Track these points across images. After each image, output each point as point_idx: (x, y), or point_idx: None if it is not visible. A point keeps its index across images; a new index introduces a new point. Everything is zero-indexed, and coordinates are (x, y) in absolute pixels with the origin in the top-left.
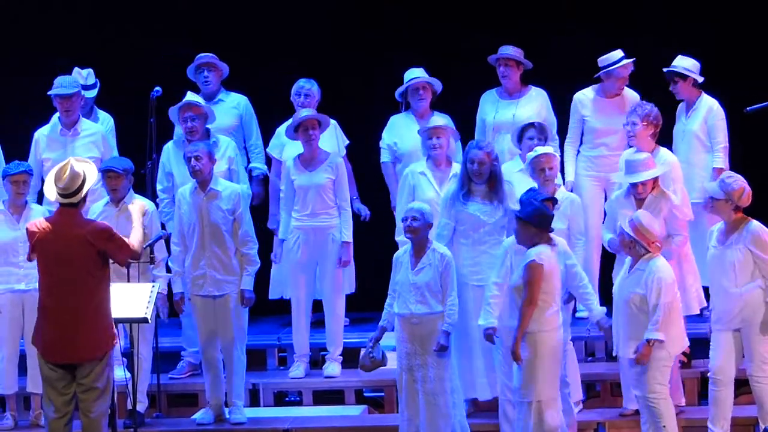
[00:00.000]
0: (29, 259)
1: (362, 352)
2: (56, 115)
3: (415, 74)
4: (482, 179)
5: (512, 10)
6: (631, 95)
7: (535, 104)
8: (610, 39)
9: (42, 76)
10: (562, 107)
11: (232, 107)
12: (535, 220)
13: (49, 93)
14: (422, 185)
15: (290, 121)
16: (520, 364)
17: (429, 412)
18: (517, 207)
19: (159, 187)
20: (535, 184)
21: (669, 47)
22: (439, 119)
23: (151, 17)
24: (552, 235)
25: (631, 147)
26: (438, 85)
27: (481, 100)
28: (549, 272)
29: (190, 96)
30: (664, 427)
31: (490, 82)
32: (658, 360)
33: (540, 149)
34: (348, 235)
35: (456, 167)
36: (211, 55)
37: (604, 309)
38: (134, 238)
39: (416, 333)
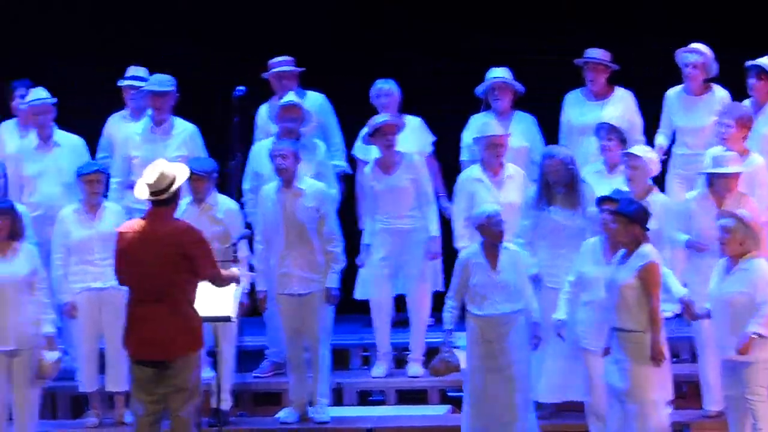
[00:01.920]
0: (116, 271)
1: (436, 356)
2: (148, 112)
3: (495, 74)
4: (560, 185)
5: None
6: (720, 93)
7: (621, 106)
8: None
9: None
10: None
11: (309, 107)
12: (640, 218)
13: (142, 89)
14: (480, 192)
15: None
16: (659, 365)
17: (521, 409)
18: (593, 209)
19: (246, 186)
20: (613, 185)
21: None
22: (496, 126)
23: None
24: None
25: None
26: (518, 86)
27: (564, 100)
28: None
29: (290, 96)
30: (760, 429)
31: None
32: (762, 362)
33: (637, 149)
34: (435, 229)
35: (510, 168)
36: (287, 58)
37: (686, 290)
38: (228, 271)
39: (501, 332)
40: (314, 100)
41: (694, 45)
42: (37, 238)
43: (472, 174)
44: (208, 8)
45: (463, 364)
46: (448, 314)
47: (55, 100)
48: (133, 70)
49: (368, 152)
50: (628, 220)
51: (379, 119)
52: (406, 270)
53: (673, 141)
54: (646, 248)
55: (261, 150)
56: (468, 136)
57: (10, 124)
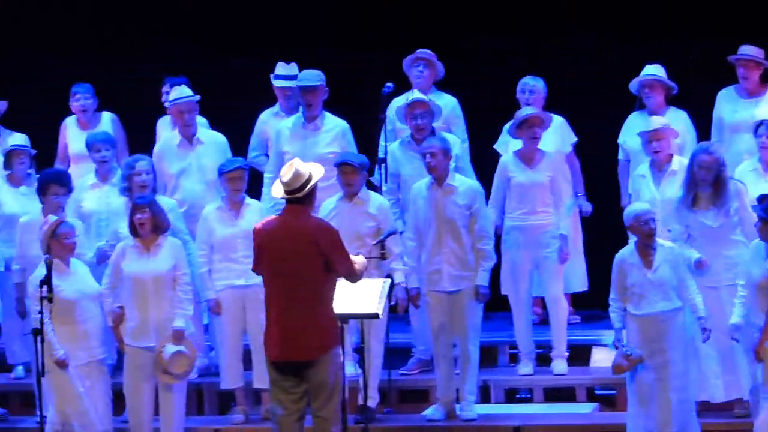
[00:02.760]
0: (254, 269)
1: (616, 355)
2: (301, 108)
3: (648, 71)
4: (707, 184)
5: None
6: None
7: None
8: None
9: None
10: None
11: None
12: None
13: (293, 85)
14: (642, 188)
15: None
16: (762, 363)
17: (681, 409)
18: (749, 208)
19: (384, 188)
20: None
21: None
22: (659, 119)
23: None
24: None
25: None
26: (671, 83)
27: (717, 97)
28: None
29: (418, 93)
30: None
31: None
32: None
33: None
34: (565, 228)
35: (676, 161)
36: (430, 52)
37: None
38: (360, 263)
39: (660, 331)
40: (444, 102)
41: None
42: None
43: (639, 171)
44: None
45: (606, 362)
46: (614, 314)
47: (198, 97)
48: (282, 67)
49: (508, 148)
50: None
51: (526, 111)
52: (541, 267)
53: None
54: None
55: (395, 151)
56: (624, 135)
57: (166, 120)
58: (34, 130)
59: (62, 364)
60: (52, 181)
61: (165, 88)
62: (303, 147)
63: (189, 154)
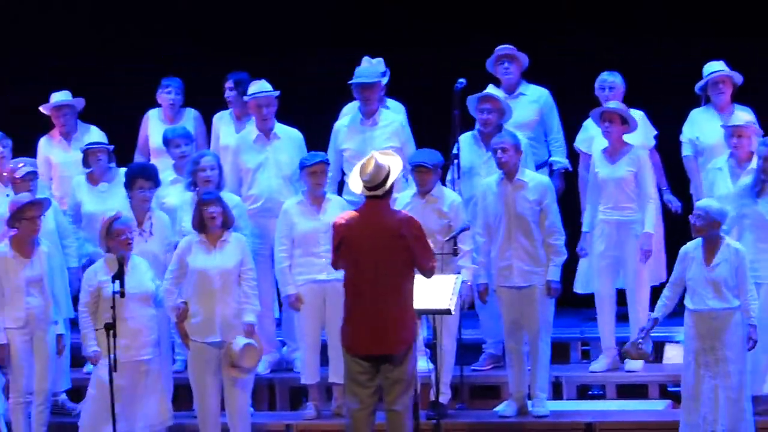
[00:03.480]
0: (333, 264)
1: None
2: (355, 104)
3: (715, 68)
4: None
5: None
6: None
7: None
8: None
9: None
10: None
11: (532, 101)
12: None
13: (349, 82)
14: (718, 181)
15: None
16: None
17: (731, 408)
18: None
19: (454, 185)
20: None
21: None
22: (742, 115)
23: None
24: None
25: None
26: (738, 78)
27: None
28: None
29: (490, 89)
30: None
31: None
32: None
33: None
34: (649, 226)
35: (755, 160)
36: (510, 46)
37: None
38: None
39: (712, 328)
40: (537, 94)
41: None
42: (258, 230)
43: (715, 164)
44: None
45: (679, 359)
46: (660, 303)
47: (278, 92)
48: (368, 62)
49: (591, 144)
50: None
51: (611, 105)
52: (624, 263)
53: None
54: None
55: (462, 145)
56: (689, 131)
57: (225, 115)
58: (110, 124)
59: (93, 360)
60: (138, 175)
61: (228, 84)
62: (362, 143)
63: (266, 149)
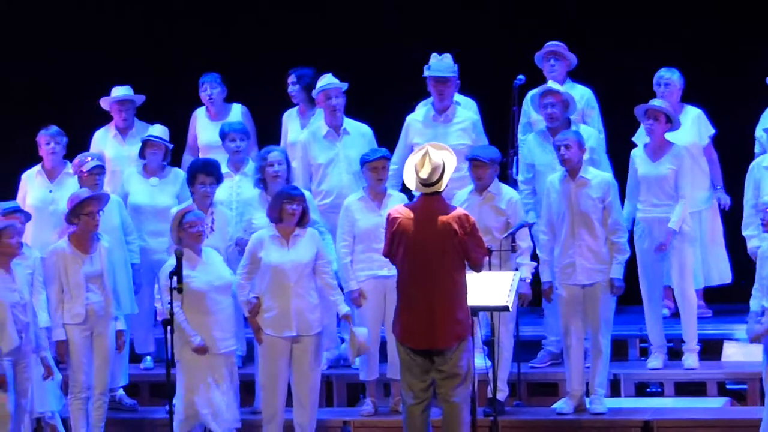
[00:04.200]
0: (386, 254)
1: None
2: (430, 101)
3: None
4: None
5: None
6: None
7: None
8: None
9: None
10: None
11: (575, 99)
12: None
13: (424, 75)
14: (764, 179)
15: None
16: None
17: None
18: None
19: (520, 178)
20: None
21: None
22: None
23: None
24: None
25: None
26: None
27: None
28: None
29: (551, 83)
30: None
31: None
32: None
33: None
34: (674, 222)
35: None
36: (559, 44)
37: None
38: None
39: None
40: (580, 93)
41: None
42: (328, 225)
43: (762, 162)
44: None
45: (738, 356)
46: (754, 301)
47: (346, 85)
48: (437, 58)
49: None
50: None
51: (654, 102)
52: (669, 261)
53: None
54: None
55: (530, 141)
56: (762, 128)
57: (293, 112)
58: (167, 122)
59: (201, 351)
60: (199, 171)
61: (290, 79)
62: (433, 138)
63: (336, 145)
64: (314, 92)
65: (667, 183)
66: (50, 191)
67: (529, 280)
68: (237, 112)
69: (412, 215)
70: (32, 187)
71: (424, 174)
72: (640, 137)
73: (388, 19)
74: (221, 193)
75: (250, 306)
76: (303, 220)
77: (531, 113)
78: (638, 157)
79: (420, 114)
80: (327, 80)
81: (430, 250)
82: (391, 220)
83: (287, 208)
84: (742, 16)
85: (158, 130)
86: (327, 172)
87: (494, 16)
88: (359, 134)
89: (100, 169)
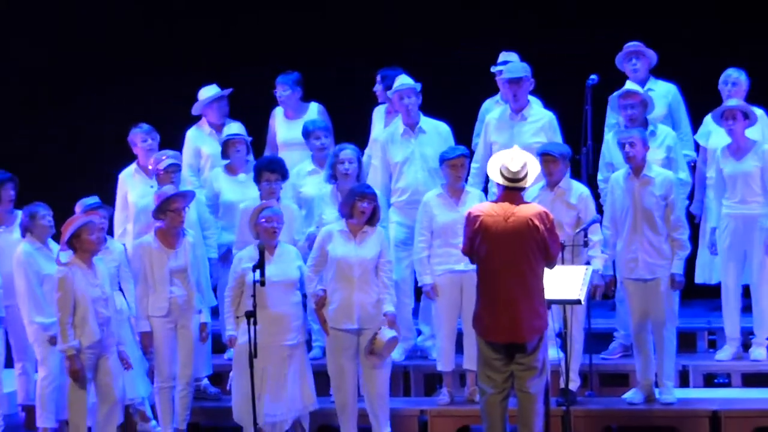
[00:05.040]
0: (466, 252)
1: None
2: (496, 98)
3: None
4: None
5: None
6: None
7: None
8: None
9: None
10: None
11: (661, 96)
12: None
13: (499, 78)
14: None
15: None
16: None
17: None
18: None
19: (599, 177)
20: None
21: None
22: None
23: None
24: None
25: None
26: None
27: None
28: None
29: (629, 84)
30: None
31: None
32: None
33: None
34: None
35: None
36: (638, 43)
37: None
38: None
39: None
40: (665, 90)
41: None
42: (406, 220)
43: None
44: None
45: None
46: None
47: (420, 85)
48: (503, 56)
49: (708, 138)
50: None
51: (729, 103)
52: (749, 256)
53: None
54: None
55: (609, 140)
56: None
57: (381, 109)
58: (249, 118)
59: (230, 344)
60: (264, 168)
61: (378, 78)
62: (510, 137)
63: (411, 143)
64: (390, 93)
65: (752, 180)
66: (151, 186)
67: (601, 272)
68: (314, 110)
69: (494, 212)
70: (132, 185)
71: (515, 167)
72: (702, 137)
73: (456, 18)
74: (309, 188)
75: (316, 298)
76: (373, 218)
77: (614, 115)
78: (721, 156)
79: (497, 112)
80: (400, 81)
81: (513, 246)
82: (472, 219)
83: (359, 205)
84: None
85: (235, 128)
86: (403, 170)
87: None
88: (436, 132)
89: (175, 167)
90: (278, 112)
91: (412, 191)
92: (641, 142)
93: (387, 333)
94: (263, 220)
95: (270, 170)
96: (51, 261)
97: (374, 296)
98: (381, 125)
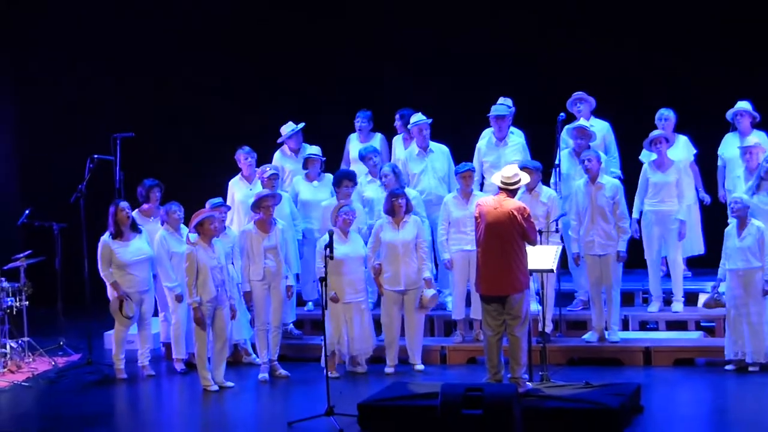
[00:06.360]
0: (479, 232)
1: (707, 296)
2: (491, 130)
3: (740, 105)
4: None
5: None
6: None
7: None
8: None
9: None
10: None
11: (599, 130)
12: None
13: (488, 115)
14: (738, 184)
15: None
16: None
17: (753, 336)
18: None
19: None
20: None
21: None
22: (753, 140)
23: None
24: None
25: None
26: (756, 113)
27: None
28: None
29: (582, 121)
30: None
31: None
32: None
33: None
34: (682, 215)
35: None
36: (581, 93)
37: None
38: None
39: (742, 283)
40: (601, 125)
41: None
42: (424, 214)
43: (736, 173)
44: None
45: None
46: (720, 269)
47: (431, 120)
48: (501, 101)
49: (649, 157)
50: None
51: (654, 133)
52: (666, 239)
53: None
54: None
55: (563, 159)
56: (722, 149)
57: (399, 138)
58: (327, 142)
59: (334, 300)
60: (344, 177)
61: (397, 116)
62: (497, 158)
63: (425, 160)
64: (410, 126)
65: (671, 187)
66: (250, 189)
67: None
68: (377, 138)
69: (489, 203)
70: (237, 189)
71: (508, 174)
72: (644, 157)
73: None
74: (370, 192)
75: (374, 270)
76: (408, 209)
77: (568, 140)
78: (648, 169)
79: (485, 141)
80: (417, 117)
81: (501, 227)
82: (477, 207)
83: (396, 202)
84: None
85: (314, 150)
86: (420, 179)
87: (540, 71)
88: (440, 152)
89: (275, 176)
90: (353, 137)
91: (427, 193)
92: (596, 159)
93: (428, 292)
94: (343, 213)
95: (349, 179)
96: (180, 243)
97: (415, 266)
98: (401, 148)
